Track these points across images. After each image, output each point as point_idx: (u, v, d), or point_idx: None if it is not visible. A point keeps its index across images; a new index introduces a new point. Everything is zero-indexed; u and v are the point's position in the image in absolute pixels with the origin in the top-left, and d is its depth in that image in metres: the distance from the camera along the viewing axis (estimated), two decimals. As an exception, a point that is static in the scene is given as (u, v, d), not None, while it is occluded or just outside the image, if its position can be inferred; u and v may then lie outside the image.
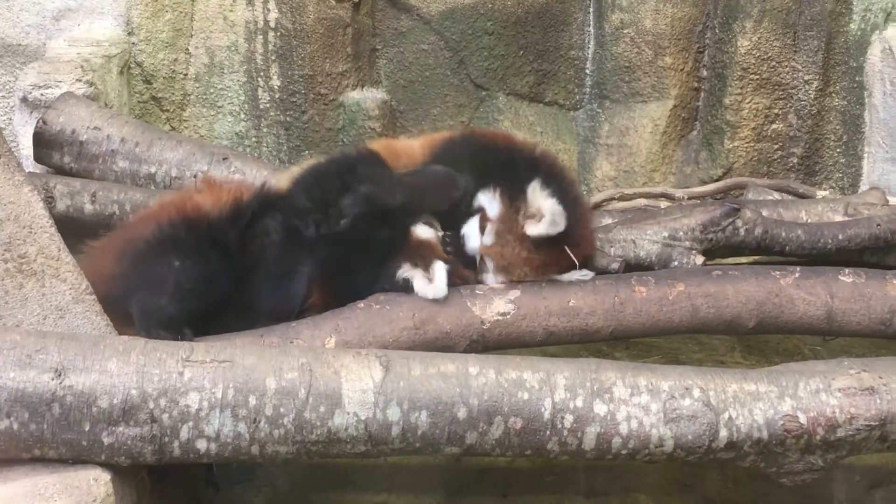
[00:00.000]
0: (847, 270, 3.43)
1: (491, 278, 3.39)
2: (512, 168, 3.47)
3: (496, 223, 3.36)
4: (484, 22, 5.46)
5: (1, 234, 3.03)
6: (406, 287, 3.23)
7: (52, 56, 4.88)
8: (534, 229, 3.30)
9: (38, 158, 4.40)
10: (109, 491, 2.58)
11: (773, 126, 5.52)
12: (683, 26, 5.53)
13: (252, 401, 2.63)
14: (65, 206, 4.02)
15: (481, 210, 3.40)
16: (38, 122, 4.37)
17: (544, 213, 3.29)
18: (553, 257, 3.33)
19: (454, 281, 3.29)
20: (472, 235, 3.39)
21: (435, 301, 3.20)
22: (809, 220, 4.10)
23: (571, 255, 3.34)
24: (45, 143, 4.36)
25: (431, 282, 3.23)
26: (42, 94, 4.53)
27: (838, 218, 4.13)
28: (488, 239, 3.36)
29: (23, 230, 3.07)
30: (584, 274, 3.37)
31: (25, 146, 4.49)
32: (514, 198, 3.35)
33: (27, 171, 3.87)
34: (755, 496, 3.61)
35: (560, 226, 3.28)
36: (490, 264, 3.37)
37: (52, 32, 5.18)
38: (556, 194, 3.33)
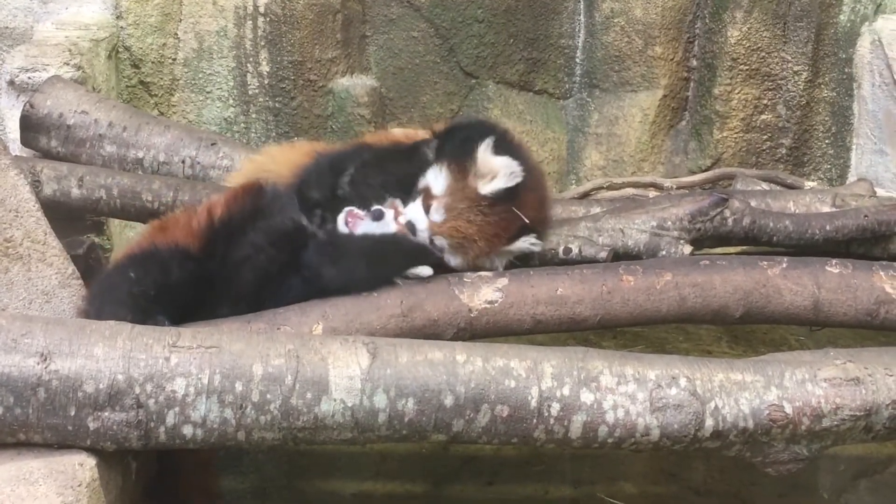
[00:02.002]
0: (834, 261, 3.44)
1: (447, 259, 3.31)
2: (457, 139, 3.40)
3: (443, 198, 3.27)
4: (474, 10, 5.45)
5: (-13, 217, 3.02)
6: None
7: (40, 39, 4.85)
8: (488, 186, 3.24)
9: (25, 142, 4.37)
10: (95, 476, 2.57)
11: (763, 117, 5.53)
12: (674, 16, 5.53)
13: (238, 387, 2.62)
14: (52, 190, 4.00)
15: (424, 190, 3.31)
16: (25, 105, 4.35)
17: (497, 168, 3.24)
18: (505, 220, 3.26)
19: None
20: (419, 219, 3.28)
21: (421, 285, 3.19)
22: (797, 211, 4.11)
23: (521, 214, 3.26)
24: (32, 127, 4.33)
25: None
26: (29, 78, 4.51)
27: (826, 209, 4.14)
28: (437, 216, 3.27)
29: (9, 214, 3.06)
30: (535, 242, 3.31)
31: (12, 130, 4.47)
32: (462, 163, 3.27)
33: (14, 154, 3.85)
34: (740, 485, 3.63)
35: (517, 177, 3.24)
36: (444, 244, 3.28)
37: (39, 15, 5.16)
38: (508, 152, 3.30)
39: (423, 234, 3.28)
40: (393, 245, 3.28)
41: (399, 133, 3.81)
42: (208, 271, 3.15)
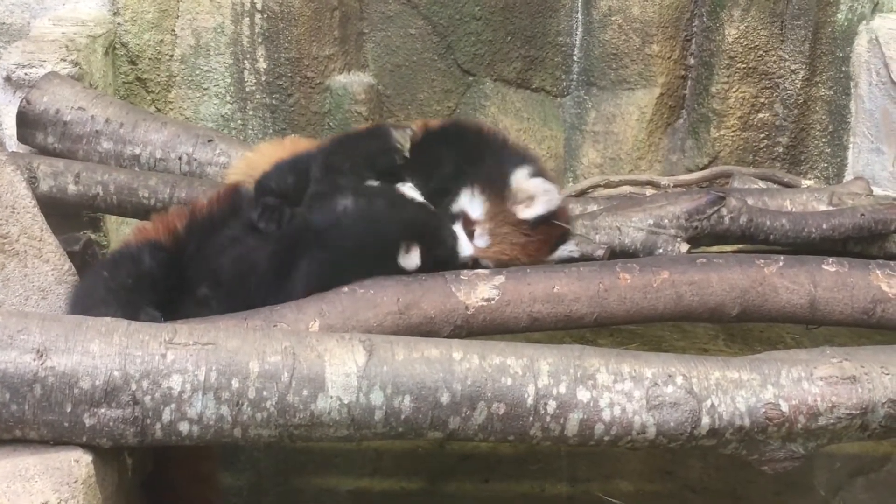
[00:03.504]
0: (831, 260, 3.44)
1: None
2: (482, 160, 3.43)
3: (485, 223, 3.32)
4: (472, 7, 5.45)
5: (-17, 213, 3.01)
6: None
7: (37, 35, 4.84)
8: (529, 212, 3.29)
9: (22, 138, 4.37)
10: (91, 472, 2.56)
11: (760, 115, 5.53)
12: (671, 14, 5.53)
13: (235, 384, 2.62)
14: (48, 186, 4.00)
15: (462, 214, 3.35)
16: (21, 101, 4.34)
17: (537, 194, 3.29)
18: (548, 235, 3.34)
19: None
20: (464, 244, 3.31)
21: (418, 283, 3.19)
22: (794, 210, 4.11)
23: (563, 224, 3.36)
24: (28, 123, 4.33)
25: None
26: (26, 74, 4.50)
27: (823, 207, 4.14)
28: (482, 241, 3.32)
29: (5, 210, 3.05)
30: (573, 249, 3.39)
31: (9, 126, 4.46)
32: (498, 190, 3.32)
33: (10, 151, 3.85)
34: (736, 483, 3.63)
35: (556, 201, 3.31)
36: (489, 264, 3.33)
37: (36, 11, 5.15)
38: (539, 174, 3.36)
39: (466, 259, 3.31)
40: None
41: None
42: (180, 260, 3.17)
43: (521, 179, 3.33)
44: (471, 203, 3.34)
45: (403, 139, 3.42)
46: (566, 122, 5.74)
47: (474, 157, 3.45)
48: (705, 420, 2.80)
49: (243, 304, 3.11)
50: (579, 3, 5.60)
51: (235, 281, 3.16)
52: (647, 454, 3.72)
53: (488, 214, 3.32)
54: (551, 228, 3.34)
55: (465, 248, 3.29)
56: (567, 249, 3.38)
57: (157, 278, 3.09)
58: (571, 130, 5.72)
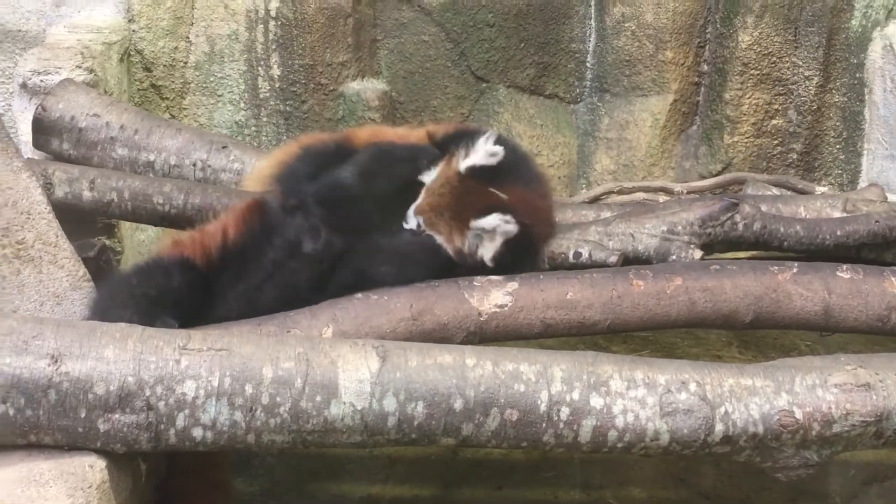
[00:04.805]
0: (845, 266, 3.43)
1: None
2: (462, 137, 3.44)
3: (431, 183, 3.33)
4: (485, 14, 5.46)
5: (-1, 219, 3.03)
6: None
7: (52, 42, 4.86)
8: (466, 162, 3.28)
9: (37, 145, 4.39)
10: (105, 478, 2.58)
11: (773, 122, 5.52)
12: (685, 21, 5.53)
13: (248, 389, 2.63)
14: (63, 192, 4.01)
15: (423, 185, 3.36)
16: (37, 108, 4.36)
17: (481, 149, 3.28)
18: (478, 194, 3.27)
19: None
20: (410, 209, 3.33)
21: (431, 289, 3.20)
22: (808, 216, 4.10)
23: (496, 191, 3.26)
24: (44, 130, 4.35)
25: None
26: (41, 81, 4.52)
27: (837, 214, 4.13)
28: (421, 197, 3.32)
29: (21, 216, 3.07)
30: (508, 220, 3.21)
31: (24, 132, 4.48)
32: (455, 151, 3.33)
33: (26, 157, 3.87)
34: (750, 490, 3.62)
35: (495, 158, 3.27)
36: (421, 221, 3.30)
37: (52, 18, 5.17)
38: (506, 146, 3.33)
39: (410, 220, 3.31)
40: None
41: (390, 132, 3.81)
42: (211, 283, 3.18)
43: (481, 141, 3.31)
44: (431, 175, 3.37)
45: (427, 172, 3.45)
46: (579, 128, 5.74)
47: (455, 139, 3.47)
48: (719, 427, 2.79)
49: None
50: (592, 10, 5.60)
51: (280, 308, 3.17)
52: (660, 461, 3.71)
53: (437, 175, 3.33)
54: (484, 192, 3.27)
55: (411, 210, 3.31)
56: (495, 220, 3.20)
57: (182, 296, 3.09)
58: (584, 137, 5.72)
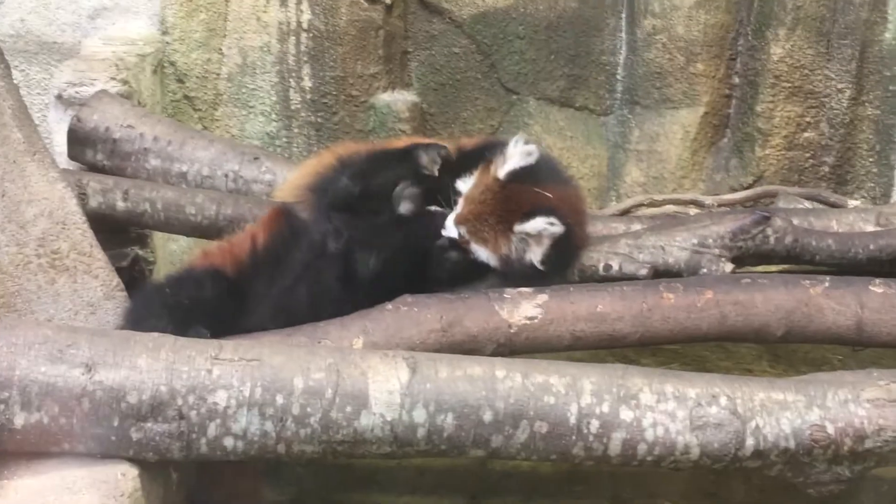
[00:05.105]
0: (878, 281, 3.41)
1: (478, 254, 3.32)
2: (493, 146, 3.46)
3: (469, 191, 3.32)
4: (516, 26, 5.47)
5: (35, 229, 3.07)
6: None
7: (87, 54, 4.92)
8: (504, 168, 3.27)
9: (72, 155, 4.44)
10: (137, 486, 2.60)
11: (805, 134, 5.49)
12: (716, 33, 5.51)
13: (279, 400, 2.64)
14: (97, 202, 4.05)
15: (458, 193, 3.36)
16: (72, 119, 4.41)
17: (516, 152, 3.27)
18: (519, 198, 3.25)
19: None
20: (449, 218, 3.34)
21: (461, 300, 3.21)
22: (840, 230, 4.07)
23: (540, 191, 3.25)
24: (79, 141, 4.40)
25: None
26: (77, 92, 4.57)
27: (870, 228, 4.10)
28: (461, 206, 3.31)
29: (56, 226, 3.11)
30: (553, 222, 3.20)
31: (60, 143, 4.53)
32: (491, 161, 3.32)
33: (61, 167, 3.91)
34: (781, 506, 3.59)
35: (532, 158, 3.26)
36: (464, 231, 3.30)
37: (87, 31, 5.23)
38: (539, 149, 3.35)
39: (451, 230, 3.31)
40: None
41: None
42: (243, 292, 3.23)
43: (511, 145, 3.31)
44: (466, 182, 3.36)
45: (432, 163, 3.44)
46: (609, 140, 5.73)
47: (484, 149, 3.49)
48: (750, 441, 2.78)
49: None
50: (623, 22, 5.59)
51: (312, 310, 3.21)
52: (690, 475, 3.69)
53: (474, 184, 3.33)
54: (526, 193, 3.25)
55: (449, 218, 3.32)
56: (541, 223, 3.19)
57: (213, 306, 3.14)
58: (615, 149, 5.71)
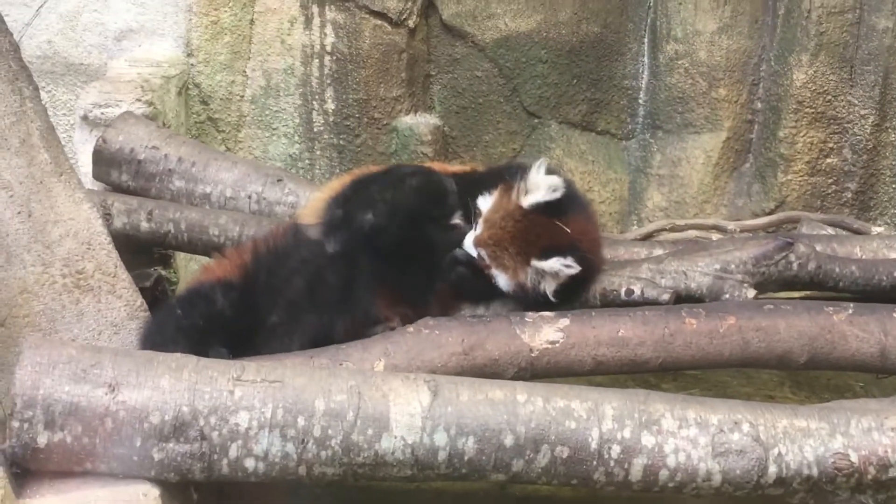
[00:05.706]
0: (902, 308, 3.39)
1: (496, 278, 3.31)
2: (514, 167, 3.47)
3: (489, 213, 3.32)
4: (538, 50, 5.49)
5: (60, 249, 3.09)
6: None
7: (113, 76, 4.97)
8: (528, 199, 3.25)
9: (97, 176, 4.47)
10: (158, 506, 2.61)
11: (828, 160, 5.47)
12: (738, 58, 5.51)
13: (301, 421, 2.65)
14: (122, 223, 4.08)
15: (478, 212, 3.36)
16: (97, 140, 4.44)
17: (540, 183, 3.25)
18: (541, 231, 3.25)
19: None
20: (469, 234, 3.34)
21: (483, 324, 3.21)
22: (864, 257, 4.06)
23: (563, 225, 3.24)
24: (104, 161, 4.43)
25: None
26: (102, 113, 4.61)
27: (894, 255, 4.08)
28: (479, 228, 3.31)
29: (81, 246, 3.12)
30: (569, 265, 3.19)
31: (85, 164, 4.56)
32: (512, 183, 3.31)
33: (86, 188, 3.94)
34: (803, 534, 3.56)
35: (557, 193, 3.25)
36: (483, 254, 3.29)
37: (113, 52, 5.29)
38: (561, 176, 3.33)
39: (470, 249, 3.32)
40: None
41: (437, 167, 3.85)
42: (251, 296, 3.25)
43: (534, 172, 3.29)
44: (486, 201, 3.36)
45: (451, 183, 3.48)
46: (631, 164, 5.73)
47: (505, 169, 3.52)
48: (772, 469, 2.76)
49: (315, 321, 3.22)
50: (646, 47, 5.61)
51: (307, 299, 3.24)
52: (711, 502, 3.67)
53: (495, 205, 3.32)
54: (547, 226, 3.25)
55: (468, 237, 3.32)
56: (558, 264, 3.19)
57: (228, 317, 3.16)
58: (636, 173, 5.71)
